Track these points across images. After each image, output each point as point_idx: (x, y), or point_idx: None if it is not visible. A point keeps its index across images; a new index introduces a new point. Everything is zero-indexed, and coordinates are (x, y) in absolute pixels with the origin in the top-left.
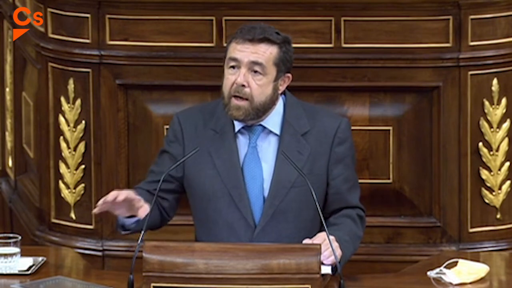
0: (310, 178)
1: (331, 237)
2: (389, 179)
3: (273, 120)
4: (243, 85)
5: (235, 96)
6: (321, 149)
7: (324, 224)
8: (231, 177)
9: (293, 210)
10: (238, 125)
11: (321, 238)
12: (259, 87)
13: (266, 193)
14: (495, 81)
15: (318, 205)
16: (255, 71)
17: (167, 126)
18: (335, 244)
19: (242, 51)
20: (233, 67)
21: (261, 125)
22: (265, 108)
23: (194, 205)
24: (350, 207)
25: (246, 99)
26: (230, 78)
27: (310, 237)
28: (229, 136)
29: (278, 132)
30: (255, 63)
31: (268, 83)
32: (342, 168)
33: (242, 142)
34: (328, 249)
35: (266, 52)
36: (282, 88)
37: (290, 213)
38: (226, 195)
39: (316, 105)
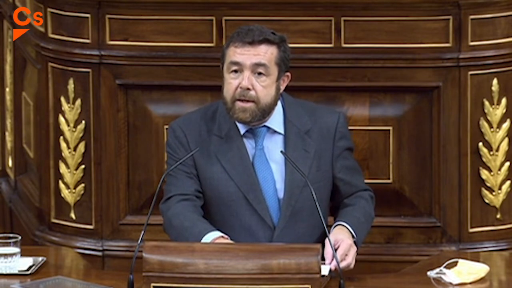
0: (319, 175)
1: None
2: (389, 179)
3: (276, 120)
4: (248, 88)
5: (240, 100)
6: (325, 145)
7: (325, 226)
8: (245, 180)
9: (308, 209)
10: (242, 129)
11: (344, 248)
12: (264, 89)
13: (280, 194)
14: (495, 81)
15: (318, 207)
16: (259, 73)
17: (167, 126)
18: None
19: (244, 54)
20: (235, 71)
21: (265, 126)
22: (270, 109)
23: (208, 210)
24: (361, 190)
25: (252, 101)
26: (233, 82)
27: (323, 237)
28: (236, 139)
29: (282, 131)
30: (259, 64)
31: (272, 84)
32: (345, 159)
33: (248, 145)
34: (341, 255)
35: (267, 53)
36: (282, 87)
37: (305, 212)
38: (241, 199)
39: (311, 102)
